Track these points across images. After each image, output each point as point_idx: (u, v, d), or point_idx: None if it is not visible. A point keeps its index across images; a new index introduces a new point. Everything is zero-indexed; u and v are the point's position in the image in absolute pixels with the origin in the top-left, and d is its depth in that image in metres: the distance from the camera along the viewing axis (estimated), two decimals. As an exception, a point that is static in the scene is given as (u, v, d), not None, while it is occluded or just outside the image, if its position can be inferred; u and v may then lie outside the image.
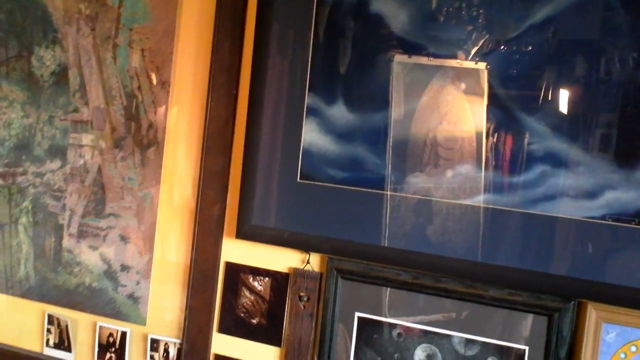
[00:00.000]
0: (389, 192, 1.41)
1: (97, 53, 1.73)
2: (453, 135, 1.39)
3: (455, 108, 1.40)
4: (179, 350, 1.66)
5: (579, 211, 1.28)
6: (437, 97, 1.41)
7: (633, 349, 1.26)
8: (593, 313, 1.28)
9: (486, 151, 1.36)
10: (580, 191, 1.28)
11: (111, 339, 1.74)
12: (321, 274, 1.52)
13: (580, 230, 1.28)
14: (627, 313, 1.26)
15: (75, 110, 1.76)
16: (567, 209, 1.28)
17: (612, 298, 1.26)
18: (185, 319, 1.64)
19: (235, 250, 1.61)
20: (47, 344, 1.83)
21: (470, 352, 1.38)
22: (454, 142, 1.39)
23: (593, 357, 1.28)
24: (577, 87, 1.29)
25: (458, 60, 1.39)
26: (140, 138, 1.69)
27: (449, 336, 1.40)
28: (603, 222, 1.26)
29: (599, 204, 1.26)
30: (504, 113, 1.34)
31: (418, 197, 1.39)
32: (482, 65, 1.37)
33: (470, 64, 1.38)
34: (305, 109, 1.47)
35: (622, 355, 1.26)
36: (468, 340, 1.39)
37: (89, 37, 1.74)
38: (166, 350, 1.68)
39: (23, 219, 1.84)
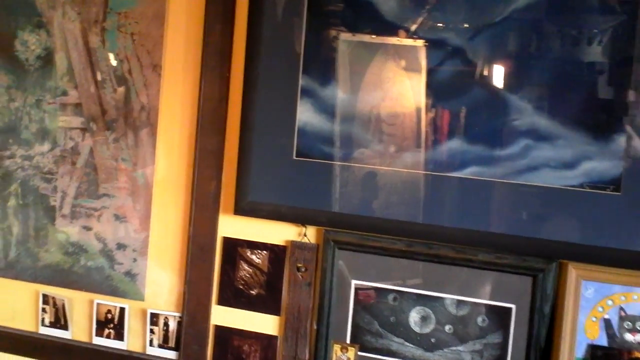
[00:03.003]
0: (384, 167, 1.51)
1: (85, 37, 1.76)
2: (395, 111, 1.50)
3: (397, 84, 1.49)
4: (179, 323, 1.73)
5: (559, 180, 1.40)
6: (379, 74, 1.50)
7: (609, 302, 1.40)
8: (573, 272, 1.41)
9: (425, 125, 1.47)
10: (560, 162, 1.40)
11: (109, 315, 1.80)
12: (318, 245, 1.60)
13: (560, 198, 1.40)
14: (603, 271, 1.39)
15: (64, 94, 1.78)
16: (549, 179, 1.40)
17: (590, 258, 1.39)
18: (184, 292, 1.71)
19: (232, 226, 1.68)
20: (43, 323, 1.87)
21: (462, 312, 1.50)
22: (396, 117, 1.49)
23: (574, 311, 1.41)
24: (509, 62, 1.42)
25: (398, 38, 1.48)
26: (133, 120, 1.73)
27: (441, 298, 1.51)
28: (581, 189, 1.39)
29: (577, 173, 1.39)
30: (441, 89, 1.46)
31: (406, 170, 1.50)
32: (420, 43, 1.47)
33: (409, 42, 1.48)
34: (299, 90, 1.55)
35: (600, 309, 1.40)
36: (459, 302, 1.50)
37: (76, 21, 1.76)
38: (166, 324, 1.75)
39: (12, 202, 1.86)
